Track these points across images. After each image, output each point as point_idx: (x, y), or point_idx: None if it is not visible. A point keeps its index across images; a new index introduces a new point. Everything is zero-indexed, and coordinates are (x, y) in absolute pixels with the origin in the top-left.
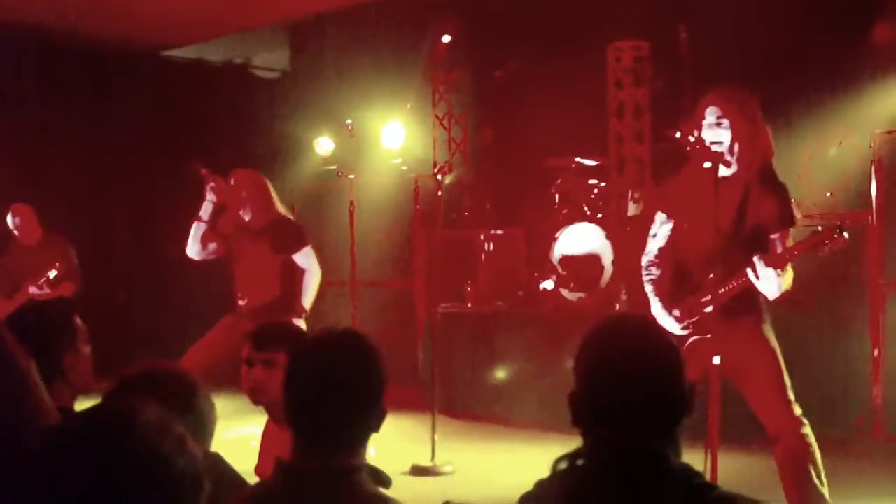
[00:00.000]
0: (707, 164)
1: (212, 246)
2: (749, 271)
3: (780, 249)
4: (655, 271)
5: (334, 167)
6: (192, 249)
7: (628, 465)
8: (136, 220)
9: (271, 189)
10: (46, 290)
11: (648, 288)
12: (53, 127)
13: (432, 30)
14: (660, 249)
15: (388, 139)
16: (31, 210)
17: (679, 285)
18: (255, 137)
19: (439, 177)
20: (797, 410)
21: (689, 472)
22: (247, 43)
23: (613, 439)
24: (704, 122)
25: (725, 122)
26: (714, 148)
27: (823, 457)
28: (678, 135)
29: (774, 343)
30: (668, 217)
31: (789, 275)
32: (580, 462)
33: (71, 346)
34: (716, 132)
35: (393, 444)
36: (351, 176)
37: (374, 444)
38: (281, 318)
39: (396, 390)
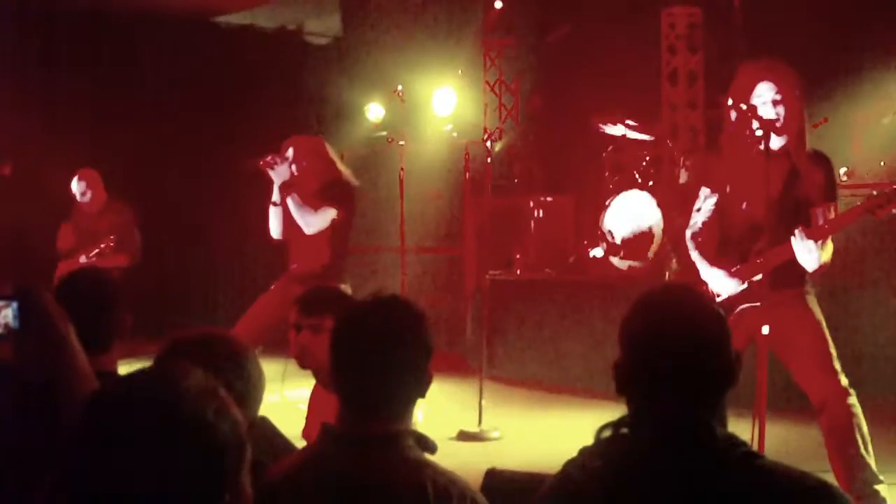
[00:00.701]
0: (758, 132)
1: None
2: (792, 242)
3: (821, 222)
4: (701, 241)
5: (385, 133)
6: (275, 231)
7: (672, 434)
8: (187, 186)
9: (331, 153)
10: (98, 259)
11: (695, 255)
12: (106, 94)
13: None
14: (704, 223)
15: (438, 105)
16: (96, 175)
17: (725, 256)
18: (306, 104)
19: (489, 143)
20: (843, 380)
21: (733, 441)
22: (298, 8)
23: (657, 408)
24: (757, 97)
25: (780, 97)
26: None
27: (874, 425)
28: (730, 102)
29: (819, 315)
30: (713, 191)
31: (829, 248)
32: (624, 431)
33: (115, 314)
34: (771, 109)
35: (440, 410)
36: (401, 142)
37: (422, 410)
38: (329, 283)
39: (444, 356)
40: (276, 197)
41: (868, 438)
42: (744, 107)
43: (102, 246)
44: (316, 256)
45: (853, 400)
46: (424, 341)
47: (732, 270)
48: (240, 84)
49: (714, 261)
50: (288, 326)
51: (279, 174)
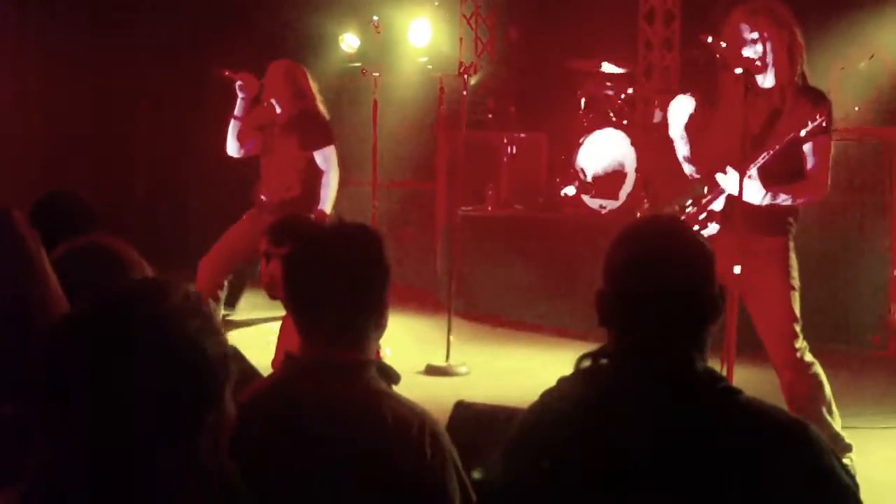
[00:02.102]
0: (738, 71)
1: (250, 143)
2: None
3: (811, 160)
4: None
5: (359, 64)
6: (231, 147)
7: (652, 365)
8: (157, 115)
9: (308, 79)
10: None
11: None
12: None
13: None
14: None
15: (414, 37)
16: None
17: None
18: (281, 31)
19: (464, 77)
20: (802, 354)
21: (714, 375)
22: None
23: (639, 339)
24: (735, 36)
25: (756, 34)
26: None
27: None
28: (709, 40)
29: (795, 273)
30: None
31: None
32: (603, 361)
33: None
34: (751, 48)
35: (409, 346)
36: (376, 74)
37: (390, 345)
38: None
39: (414, 292)
40: (238, 111)
41: (831, 400)
42: (723, 44)
43: None
44: (287, 188)
45: (816, 369)
46: (380, 265)
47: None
48: (213, 12)
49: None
50: (258, 255)
51: (243, 90)
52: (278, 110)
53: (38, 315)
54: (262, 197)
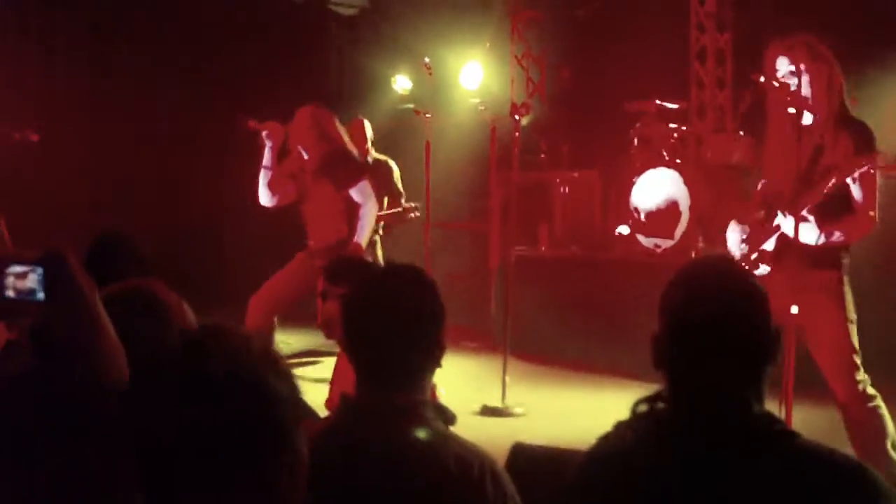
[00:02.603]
0: (791, 110)
1: (282, 192)
2: (779, 220)
3: (858, 193)
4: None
5: (411, 105)
6: (264, 198)
7: (709, 409)
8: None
9: (333, 121)
10: None
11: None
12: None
13: None
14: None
15: (466, 78)
16: None
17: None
18: (335, 74)
19: (516, 117)
20: (864, 386)
21: (771, 418)
22: None
23: (694, 383)
24: (776, 70)
25: (797, 67)
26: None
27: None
28: (762, 79)
29: (851, 307)
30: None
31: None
32: (660, 405)
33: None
34: (791, 81)
35: (464, 386)
36: (428, 115)
37: (445, 386)
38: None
39: (468, 332)
40: (266, 161)
41: (894, 435)
42: (776, 83)
43: None
44: (332, 231)
45: (877, 402)
46: (435, 307)
47: (743, 237)
48: (268, 53)
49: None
50: (315, 295)
51: (269, 138)
52: (306, 156)
53: (94, 359)
54: (311, 242)
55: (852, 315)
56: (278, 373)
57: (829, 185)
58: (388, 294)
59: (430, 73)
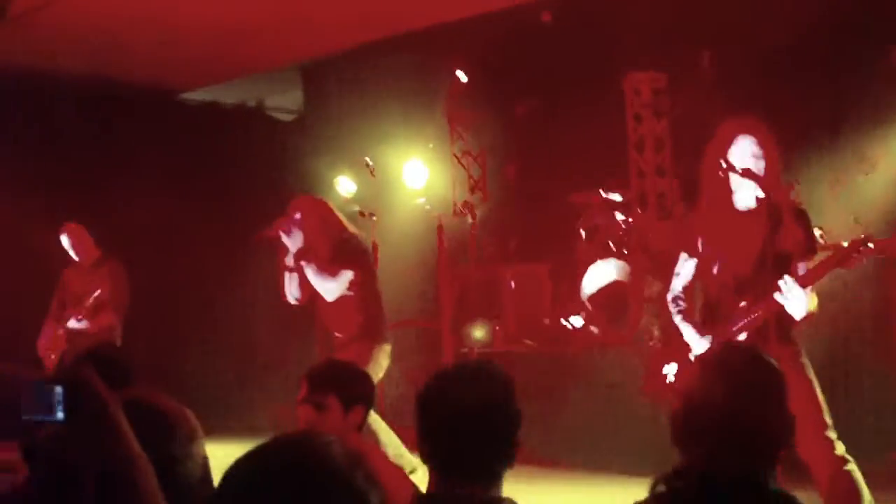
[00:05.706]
0: (740, 188)
1: (306, 286)
2: (777, 293)
3: (801, 273)
4: (683, 304)
5: (357, 208)
6: (293, 297)
7: (725, 489)
8: (159, 264)
9: (336, 213)
10: (85, 323)
11: (678, 318)
12: (64, 173)
13: (448, 68)
14: (684, 287)
15: (409, 177)
16: (82, 229)
17: (708, 317)
18: (275, 179)
19: (461, 217)
20: (838, 448)
21: (786, 497)
22: (260, 84)
23: (713, 462)
24: (737, 153)
25: (760, 151)
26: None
27: (874, 490)
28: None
29: (812, 375)
30: (691, 255)
31: (814, 297)
32: (677, 484)
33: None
34: (752, 163)
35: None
36: (374, 217)
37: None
38: (370, 343)
39: None
40: (290, 261)
41: (871, 501)
42: (724, 164)
43: (88, 302)
44: (350, 320)
45: (852, 466)
46: (512, 406)
47: (720, 332)
48: (207, 161)
49: (697, 326)
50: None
51: (294, 240)
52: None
53: (127, 476)
54: (337, 334)
55: (814, 379)
56: (370, 479)
57: (833, 264)
58: (466, 391)
59: (373, 174)
